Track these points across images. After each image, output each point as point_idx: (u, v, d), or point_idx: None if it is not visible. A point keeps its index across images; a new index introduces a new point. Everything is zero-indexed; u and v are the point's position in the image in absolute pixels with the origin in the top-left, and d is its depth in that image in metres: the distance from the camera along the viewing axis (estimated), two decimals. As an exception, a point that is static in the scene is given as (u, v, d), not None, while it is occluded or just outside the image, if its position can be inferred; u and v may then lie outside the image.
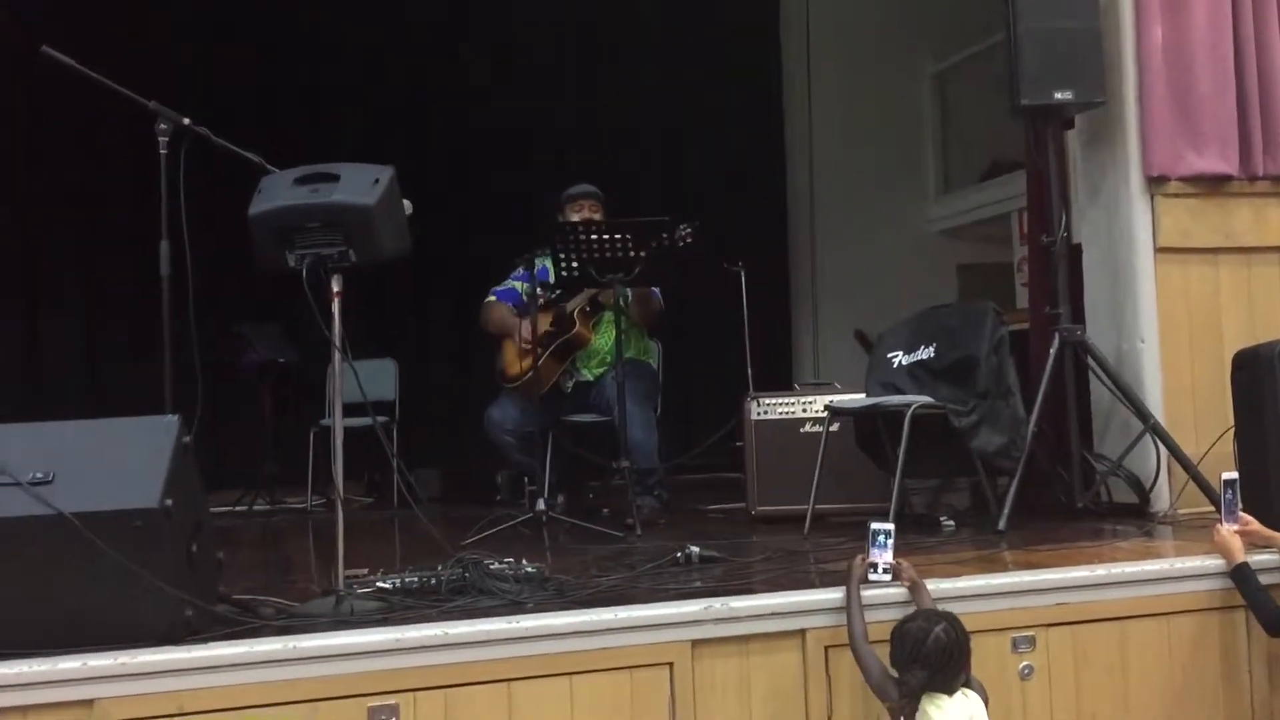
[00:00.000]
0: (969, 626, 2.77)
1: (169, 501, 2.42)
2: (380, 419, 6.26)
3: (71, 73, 3.17)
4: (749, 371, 5.55)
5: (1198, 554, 3.17)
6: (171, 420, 2.57)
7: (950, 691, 2.52)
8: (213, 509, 5.86)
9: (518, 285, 5.12)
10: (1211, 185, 4.35)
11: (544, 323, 4.95)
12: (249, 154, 3.10)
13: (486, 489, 6.20)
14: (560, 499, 5.07)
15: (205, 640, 2.47)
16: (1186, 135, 4.30)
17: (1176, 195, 4.33)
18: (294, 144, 3.80)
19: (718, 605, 2.74)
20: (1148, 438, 4.12)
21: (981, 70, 7.70)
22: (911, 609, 2.74)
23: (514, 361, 5.07)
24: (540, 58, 7.77)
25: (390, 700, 2.50)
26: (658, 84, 8.00)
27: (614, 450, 4.62)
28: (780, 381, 6.24)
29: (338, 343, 2.84)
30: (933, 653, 2.50)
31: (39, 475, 2.41)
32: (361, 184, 2.83)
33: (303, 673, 2.47)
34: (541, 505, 4.40)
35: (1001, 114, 4.53)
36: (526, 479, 5.24)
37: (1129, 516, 4.09)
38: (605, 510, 5.08)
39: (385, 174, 2.86)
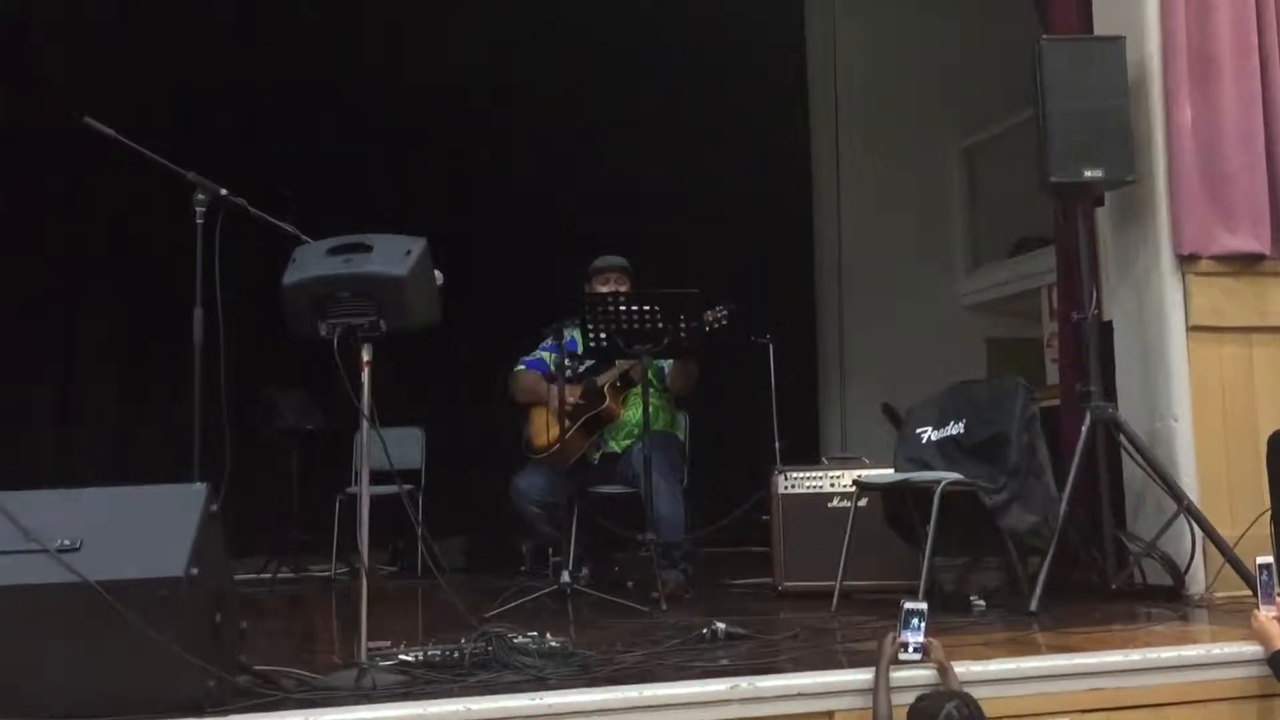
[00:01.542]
0: (1000, 711, 2.73)
1: (194, 570, 2.42)
2: (406, 487, 6.25)
3: (111, 143, 3.23)
4: (776, 445, 5.52)
5: (1235, 639, 3.10)
6: (199, 488, 2.58)
7: (968, 779, 2.47)
8: (237, 576, 5.93)
9: (546, 356, 5.13)
10: (1244, 264, 4.33)
11: (573, 395, 4.96)
12: (284, 224, 3.13)
13: (511, 560, 6.18)
14: (585, 571, 5.02)
15: (226, 713, 2.44)
16: (1217, 214, 4.29)
17: (1208, 274, 4.30)
18: (327, 214, 3.84)
19: (744, 685, 2.69)
20: (1182, 519, 4.06)
21: (1010, 145, 7.74)
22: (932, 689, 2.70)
23: (541, 432, 5.06)
24: (572, 130, 7.86)
25: (411, 776, 2.47)
26: (687, 157, 8.06)
27: (640, 523, 4.59)
28: (808, 455, 6.20)
29: (366, 412, 2.85)
30: None
31: (66, 542, 2.41)
32: (394, 255, 2.86)
33: (323, 747, 2.44)
34: (566, 577, 4.36)
35: (1031, 189, 4.54)
36: (551, 550, 5.21)
37: (1163, 599, 4.02)
38: (630, 583, 5.04)
39: (418, 245, 2.90)
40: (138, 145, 3.22)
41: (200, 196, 3.19)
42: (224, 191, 3.21)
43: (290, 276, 2.88)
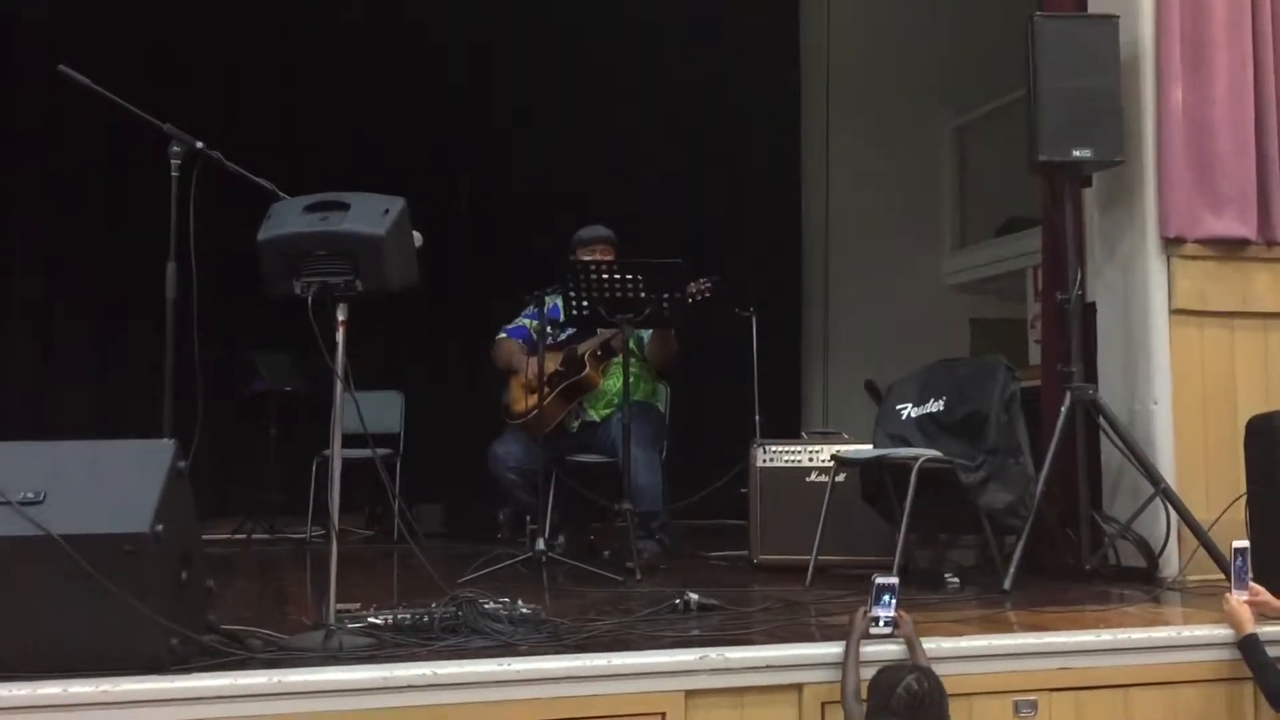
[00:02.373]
0: (970, 687, 2.73)
1: (160, 527, 2.39)
2: (383, 452, 6.23)
3: (87, 93, 3.17)
4: (757, 418, 5.51)
5: (1206, 622, 3.11)
6: (167, 444, 2.54)
7: (930, 754, 2.46)
8: (212, 536, 5.93)
9: (528, 323, 5.10)
10: (1229, 248, 4.31)
11: (553, 363, 4.93)
12: (261, 180, 3.09)
13: (488, 526, 6.16)
14: (561, 539, 5.01)
15: (190, 671, 2.42)
16: (1204, 197, 4.26)
17: (1193, 257, 4.29)
18: (312, 176, 3.79)
19: (713, 655, 2.68)
20: (1158, 501, 4.06)
21: (1001, 125, 7.72)
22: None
23: (520, 398, 5.04)
24: (558, 101, 7.80)
25: (375, 739, 2.45)
26: (676, 130, 8.03)
27: (617, 492, 4.57)
28: (789, 430, 6.20)
29: (340, 372, 2.82)
30: (901, 702, 2.45)
31: (30, 495, 2.38)
32: (372, 214, 2.82)
33: (287, 708, 2.42)
34: (541, 545, 4.35)
35: (1019, 170, 4.51)
36: (529, 518, 5.20)
37: (1137, 581, 4.02)
38: (606, 553, 5.03)
39: (396, 205, 2.85)
40: (113, 95, 3.16)
41: (175, 148, 3.14)
42: (200, 144, 3.16)
43: (265, 232, 2.83)
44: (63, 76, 3.16)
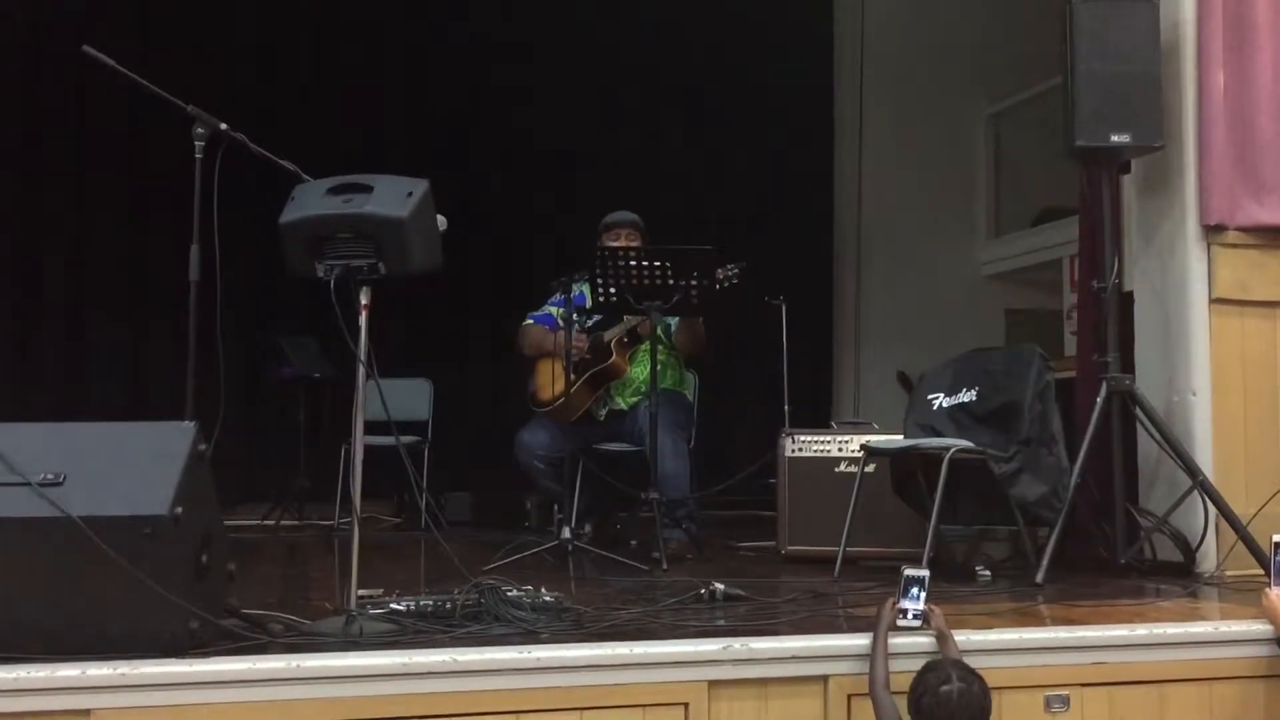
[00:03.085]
0: (1001, 681, 2.67)
1: (179, 509, 2.38)
2: (412, 439, 6.23)
3: (112, 73, 3.16)
4: (786, 408, 5.45)
5: (1244, 618, 3.03)
6: (188, 426, 2.53)
7: (970, 750, 2.41)
8: (241, 522, 5.94)
9: (554, 310, 5.07)
10: (1272, 237, 4.21)
11: (581, 349, 4.89)
12: (285, 162, 3.07)
13: (517, 514, 6.15)
14: (588, 528, 4.99)
15: (209, 654, 2.41)
16: (1246, 184, 4.17)
17: (1234, 245, 4.19)
18: (336, 159, 3.78)
19: (737, 645, 2.64)
20: (1195, 495, 3.98)
21: (1037, 113, 7.60)
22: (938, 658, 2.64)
23: (546, 385, 5.01)
24: (590, 85, 7.76)
25: (394, 726, 2.43)
26: (708, 116, 7.97)
27: (644, 481, 4.54)
28: (820, 420, 6.13)
29: (362, 355, 2.80)
30: (947, 704, 2.40)
31: (49, 476, 2.37)
32: (395, 196, 2.79)
33: (306, 693, 2.41)
34: (567, 533, 4.32)
35: (1056, 158, 4.43)
36: (556, 506, 5.17)
37: (1173, 576, 3.94)
38: (633, 542, 4.99)
39: (419, 187, 2.83)
40: (137, 76, 3.14)
41: (199, 130, 3.13)
42: (224, 126, 3.14)
43: (288, 215, 2.81)
44: (88, 57, 3.15)
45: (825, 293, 8.40)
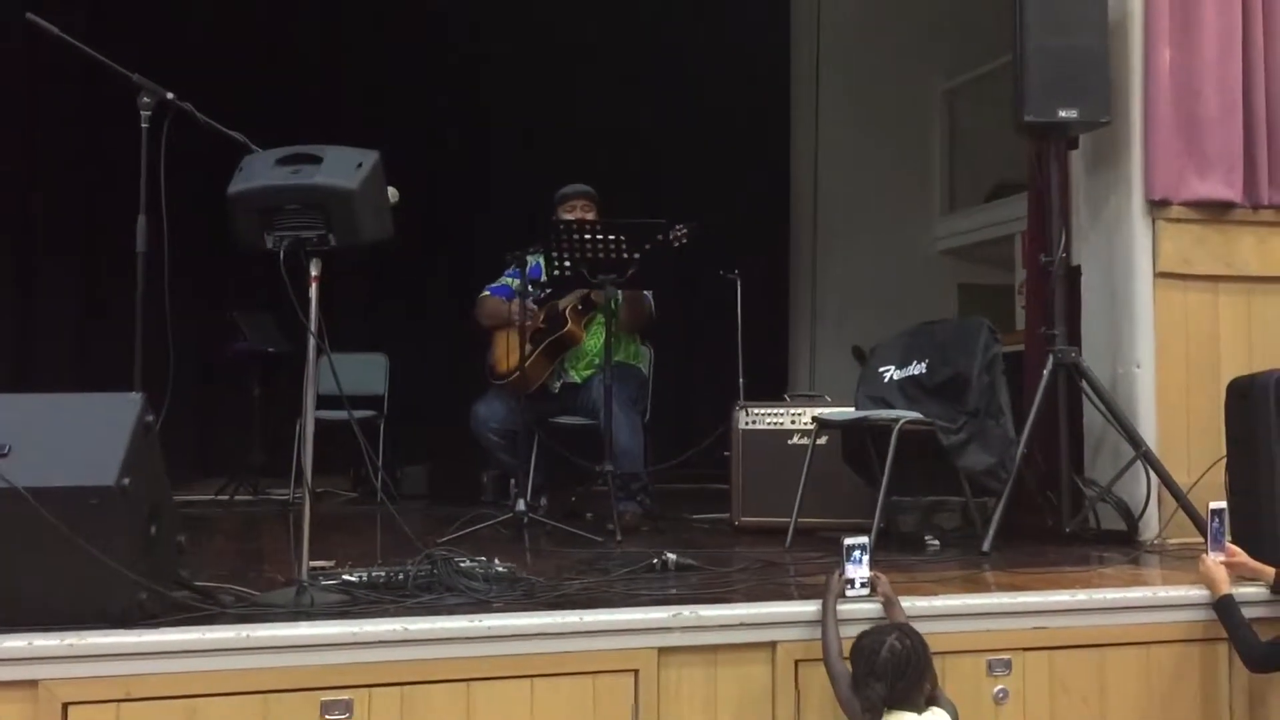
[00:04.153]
0: (944, 646, 2.72)
1: (126, 480, 2.36)
2: (368, 413, 6.22)
3: (58, 42, 3.12)
4: (740, 381, 5.49)
5: (1182, 584, 3.10)
6: (135, 398, 2.51)
7: (917, 709, 2.46)
8: (196, 497, 5.91)
9: (510, 282, 5.07)
10: (1215, 211, 4.29)
11: (536, 320, 4.90)
12: (233, 133, 3.05)
13: (473, 488, 6.16)
14: (543, 501, 5.01)
15: (158, 625, 2.41)
16: (1191, 159, 4.23)
17: (1178, 220, 4.26)
18: (289, 130, 3.75)
19: (686, 613, 2.67)
20: (1139, 464, 4.06)
21: (991, 89, 7.66)
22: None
23: (503, 358, 5.02)
24: (544, 58, 7.73)
25: (344, 696, 2.44)
26: (663, 90, 7.96)
27: (599, 454, 4.56)
28: (775, 393, 6.17)
29: (313, 328, 2.79)
30: (887, 664, 2.44)
31: (-5, 447, 2.35)
32: (344, 167, 2.78)
33: (256, 663, 2.41)
34: (522, 506, 4.34)
35: (1010, 134, 4.48)
36: (512, 480, 5.18)
37: (1116, 543, 4.02)
38: (589, 515, 5.01)
39: (369, 158, 2.81)
40: (82, 45, 3.11)
41: (145, 99, 3.09)
42: (170, 95, 3.11)
43: (236, 185, 2.79)
44: (31, 25, 3.11)
45: (781, 267, 8.45)
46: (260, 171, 2.81)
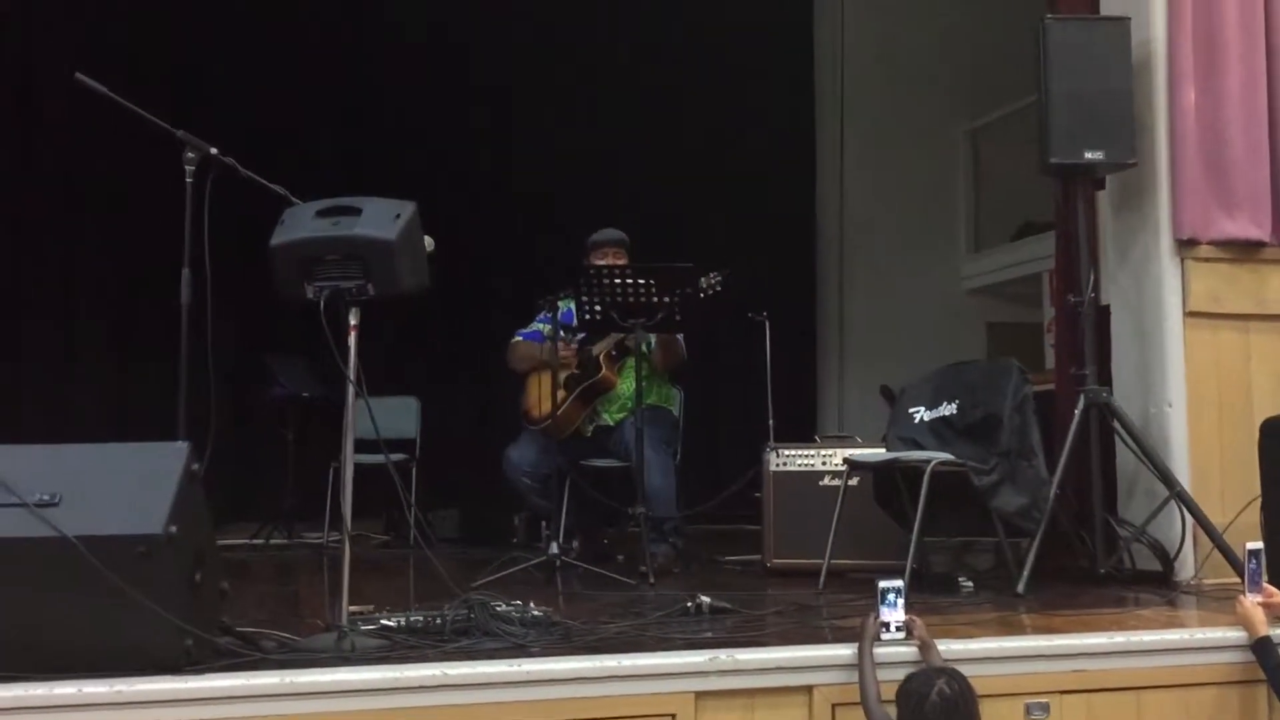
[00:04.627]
0: (982, 690, 2.71)
1: (173, 528, 2.41)
2: (399, 457, 6.26)
3: (104, 100, 3.21)
4: (770, 422, 5.51)
5: (1220, 625, 3.10)
6: (181, 446, 2.57)
7: (962, 754, 2.46)
8: (231, 541, 5.96)
9: (542, 328, 5.12)
10: (1244, 250, 4.30)
11: (569, 365, 4.95)
12: (274, 185, 3.12)
13: (505, 531, 6.18)
14: (575, 544, 5.03)
15: (203, 671, 2.44)
16: (1218, 199, 4.25)
17: (1207, 259, 4.27)
18: (325, 181, 3.83)
19: (723, 657, 2.69)
20: (1173, 504, 4.04)
21: (1017, 128, 7.70)
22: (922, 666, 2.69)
23: (537, 403, 5.05)
24: (574, 104, 7.83)
25: (386, 740, 2.47)
26: (691, 134, 8.04)
27: (631, 496, 4.59)
28: (803, 434, 6.19)
29: (352, 375, 2.84)
30: (936, 708, 2.45)
31: (45, 496, 2.40)
32: (383, 218, 2.84)
33: (300, 708, 2.44)
34: (555, 549, 4.36)
35: (1035, 173, 4.51)
36: (543, 522, 5.21)
37: (1152, 584, 4.01)
38: (620, 557, 5.04)
39: (407, 209, 2.88)
40: (129, 102, 3.19)
41: (190, 155, 3.18)
42: (214, 150, 3.19)
43: (278, 237, 2.86)
44: (80, 84, 3.20)
45: (808, 308, 8.48)
46: (301, 223, 2.88)
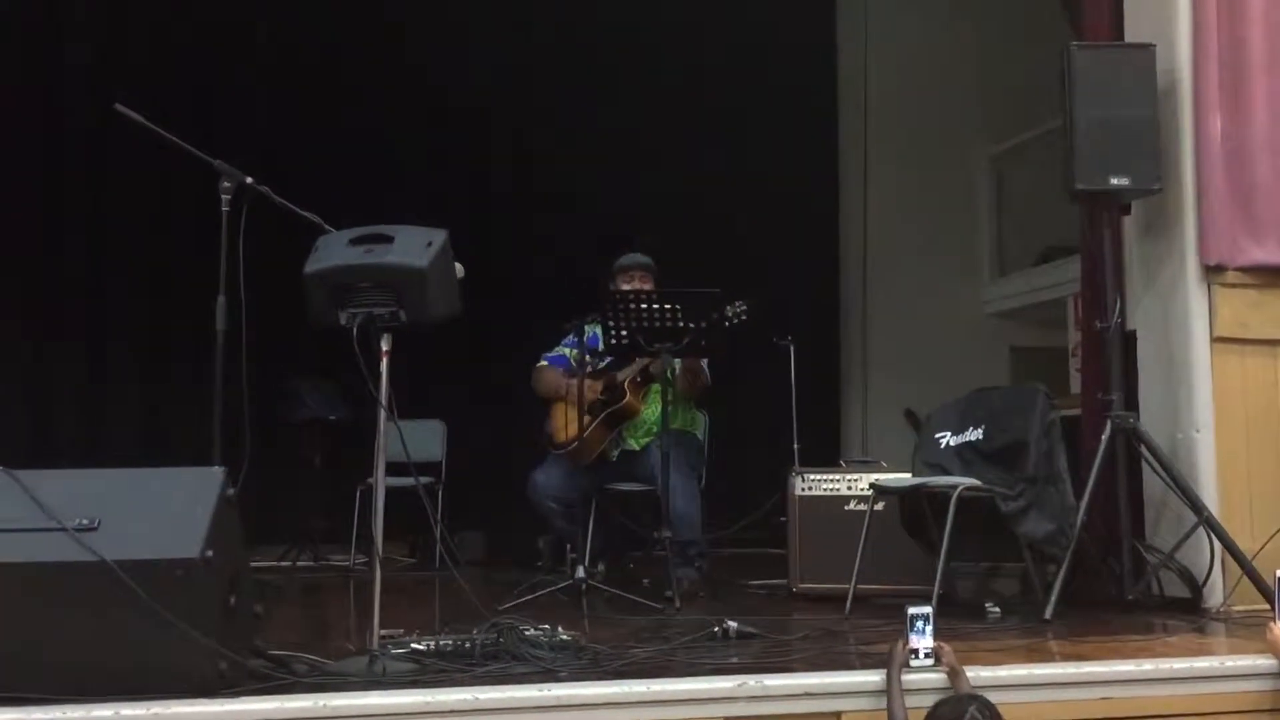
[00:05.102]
0: (1011, 717, 2.72)
1: (210, 553, 2.45)
2: (425, 479, 6.28)
3: (141, 130, 3.27)
4: (795, 446, 5.51)
5: (1250, 653, 3.08)
6: (216, 472, 2.61)
7: (990, 781, 2.46)
8: (258, 563, 5.98)
9: (567, 352, 5.15)
10: (1271, 276, 4.29)
11: (595, 390, 4.97)
12: (307, 214, 3.16)
13: (529, 554, 6.19)
14: (601, 567, 5.04)
15: (238, 694, 2.47)
16: (1245, 225, 4.25)
17: (1234, 285, 4.27)
18: (354, 207, 3.88)
19: (752, 683, 2.70)
20: (1201, 531, 4.03)
21: (1040, 153, 7.71)
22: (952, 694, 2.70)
23: (562, 428, 5.07)
24: (599, 128, 7.88)
25: (418, 763, 2.49)
26: (715, 159, 8.07)
27: (657, 520, 4.60)
28: (827, 458, 6.19)
29: (384, 401, 2.87)
30: None
31: (84, 521, 2.45)
32: (415, 246, 2.89)
33: (333, 731, 2.46)
34: (581, 573, 4.38)
35: (1059, 197, 4.52)
36: (568, 546, 5.22)
37: (1180, 611, 3.99)
38: (646, 581, 5.04)
39: (438, 237, 2.92)
40: (166, 133, 3.25)
41: (225, 184, 3.23)
42: (249, 180, 3.24)
43: (311, 265, 2.91)
44: (119, 114, 3.26)
45: (832, 333, 8.48)
46: (334, 251, 2.92)
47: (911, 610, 2.83)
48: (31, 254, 7.07)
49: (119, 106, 3.26)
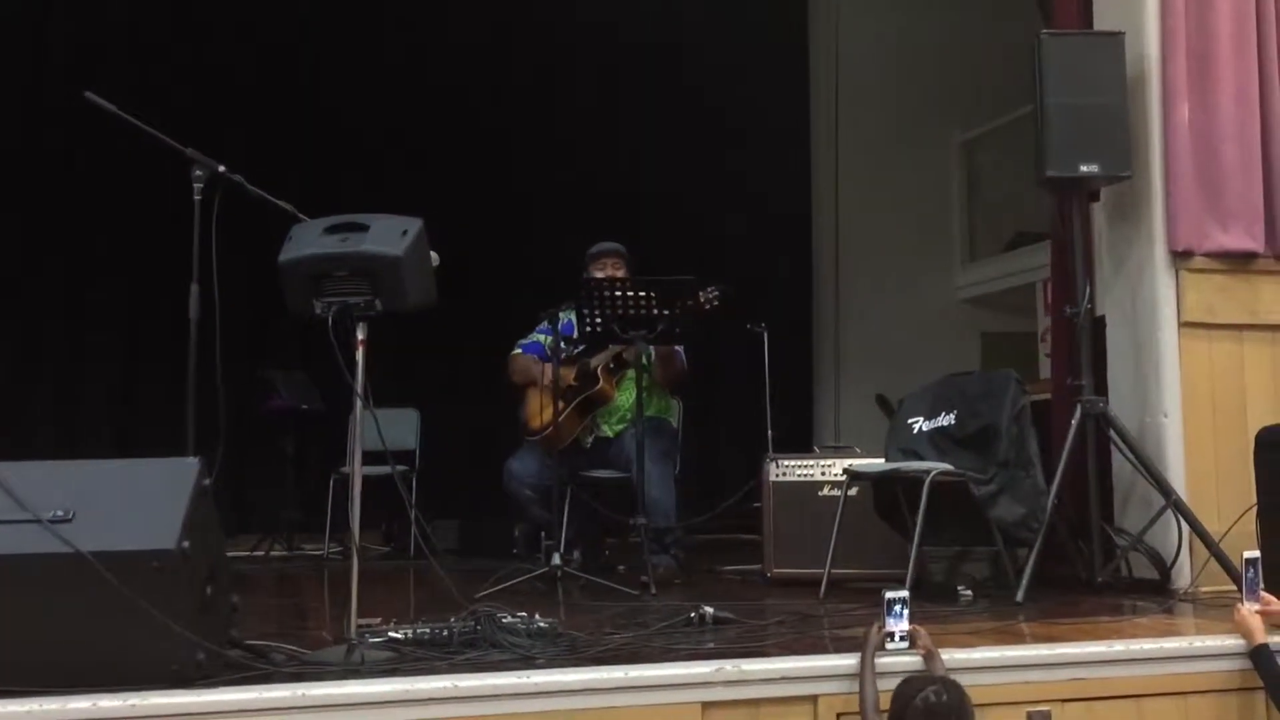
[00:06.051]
0: (982, 699, 2.75)
1: (186, 544, 2.44)
2: (400, 468, 6.28)
3: (112, 118, 3.24)
4: (769, 433, 5.54)
5: (1218, 633, 3.13)
6: (192, 463, 2.59)
7: (957, 763, 2.49)
8: (231, 553, 5.95)
9: (542, 339, 5.15)
10: (1237, 262, 4.35)
11: (568, 377, 4.98)
12: (281, 202, 3.15)
13: (504, 542, 6.20)
14: (576, 555, 5.05)
15: (215, 684, 2.46)
16: (1212, 211, 4.30)
17: (1202, 271, 4.32)
18: (330, 197, 3.86)
19: (729, 667, 2.72)
20: (1169, 513, 4.08)
21: (1010, 139, 7.77)
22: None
23: (536, 414, 5.08)
24: (574, 118, 7.87)
25: (397, 751, 2.49)
26: (685, 145, 8.08)
27: (632, 507, 4.62)
28: (801, 443, 6.24)
29: (360, 390, 2.87)
30: (917, 714, 2.47)
31: (59, 513, 2.43)
32: (390, 235, 2.87)
33: (311, 720, 2.47)
34: (557, 560, 4.39)
35: (1029, 183, 4.56)
36: (544, 533, 5.24)
37: (1149, 593, 4.04)
38: (621, 568, 5.07)
39: (414, 226, 2.90)
40: (137, 120, 3.22)
41: (198, 172, 3.21)
42: (221, 168, 3.22)
43: (286, 254, 2.89)
44: (89, 103, 3.23)
45: (805, 319, 8.52)
46: (309, 240, 2.90)
47: (889, 594, 2.85)
48: (2, 243, 7.00)
49: (89, 95, 3.23)
